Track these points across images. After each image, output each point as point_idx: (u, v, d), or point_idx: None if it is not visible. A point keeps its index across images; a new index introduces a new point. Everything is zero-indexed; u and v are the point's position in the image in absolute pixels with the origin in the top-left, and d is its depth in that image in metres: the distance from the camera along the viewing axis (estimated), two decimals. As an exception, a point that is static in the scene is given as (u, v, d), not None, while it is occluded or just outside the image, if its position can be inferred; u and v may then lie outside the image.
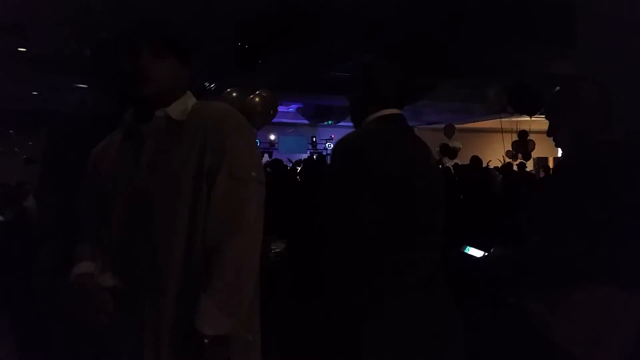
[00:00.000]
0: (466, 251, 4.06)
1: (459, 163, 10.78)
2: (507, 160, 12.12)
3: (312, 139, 17.00)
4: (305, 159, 10.04)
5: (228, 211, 1.49)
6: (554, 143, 2.06)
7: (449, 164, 11.67)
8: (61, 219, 2.05)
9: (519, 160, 12.09)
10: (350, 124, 2.13)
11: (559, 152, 4.08)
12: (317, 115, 14.27)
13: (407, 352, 1.79)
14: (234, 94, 7.57)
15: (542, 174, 11.80)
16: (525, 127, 11.67)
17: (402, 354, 1.79)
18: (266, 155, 14.27)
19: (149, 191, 1.53)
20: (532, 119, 9.12)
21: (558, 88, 2.07)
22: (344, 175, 1.84)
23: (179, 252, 1.50)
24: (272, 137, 16.88)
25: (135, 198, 1.55)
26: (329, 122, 14.96)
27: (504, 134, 11.96)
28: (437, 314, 1.87)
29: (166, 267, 1.49)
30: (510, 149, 12.55)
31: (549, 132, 2.05)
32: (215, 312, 1.41)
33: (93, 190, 1.65)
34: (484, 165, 8.63)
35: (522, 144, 12.07)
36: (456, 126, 13.65)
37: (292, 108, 14.44)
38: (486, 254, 3.87)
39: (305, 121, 15.32)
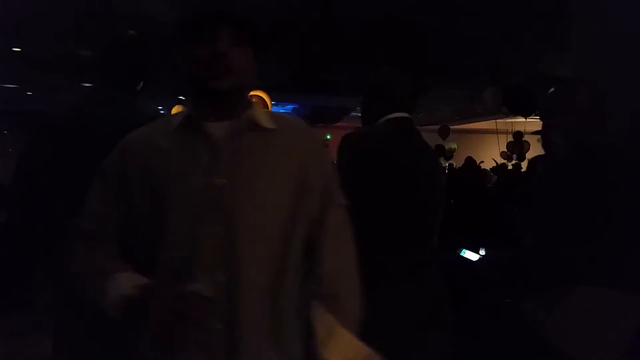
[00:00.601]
0: (462, 254, 4.07)
1: (454, 164, 10.80)
2: (502, 161, 12.16)
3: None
4: None
5: (345, 239, 1.42)
6: (540, 143, 2.07)
7: (444, 164, 11.71)
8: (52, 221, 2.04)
9: (513, 161, 12.13)
10: (346, 124, 2.26)
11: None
12: (313, 117, 14.29)
13: (393, 332, 1.86)
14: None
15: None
16: (521, 128, 11.70)
17: (389, 333, 1.84)
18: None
19: (231, 203, 1.28)
20: (527, 120, 9.15)
21: (552, 89, 2.07)
22: (349, 165, 1.96)
23: (266, 276, 1.29)
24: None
25: (208, 209, 1.28)
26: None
27: (499, 135, 11.99)
28: (422, 300, 1.96)
29: (248, 297, 1.26)
30: (505, 150, 12.60)
31: (542, 133, 2.06)
32: (357, 343, 1.31)
33: (123, 192, 1.36)
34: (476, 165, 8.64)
35: (517, 145, 12.11)
36: (451, 127, 13.68)
37: (288, 109, 14.46)
38: (482, 256, 3.88)
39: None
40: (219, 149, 1.32)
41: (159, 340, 1.18)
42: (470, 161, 7.98)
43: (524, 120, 9.29)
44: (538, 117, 2.32)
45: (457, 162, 10.95)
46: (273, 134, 1.37)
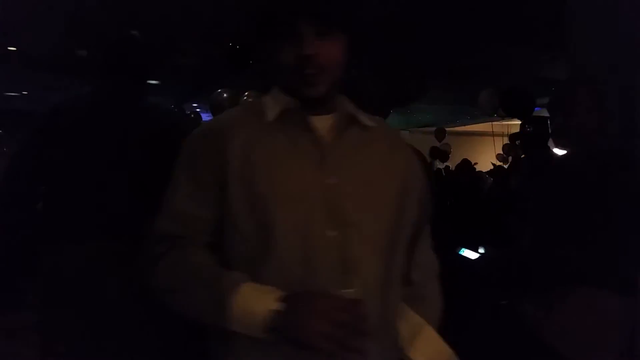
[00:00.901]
0: (461, 253, 4.08)
1: (450, 167, 10.81)
2: (499, 163, 12.18)
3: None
4: None
5: (430, 243, 1.41)
6: (519, 146, 2.08)
7: (440, 166, 11.71)
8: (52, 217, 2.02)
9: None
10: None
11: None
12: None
13: None
14: (225, 95, 7.55)
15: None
16: (517, 131, 11.70)
17: None
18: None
19: (344, 204, 1.18)
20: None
21: (557, 90, 2.06)
22: None
23: (378, 281, 1.20)
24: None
25: (321, 210, 1.16)
26: None
27: (495, 137, 12.01)
28: None
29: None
30: (501, 153, 12.61)
31: (554, 133, 2.04)
32: (442, 344, 1.31)
33: (219, 189, 1.18)
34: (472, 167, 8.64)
35: (513, 147, 12.11)
36: (447, 129, 13.69)
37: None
38: (480, 254, 3.89)
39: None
40: (327, 145, 1.21)
41: (316, 354, 1.05)
42: (465, 163, 7.98)
43: (520, 122, 9.30)
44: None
45: (454, 164, 10.97)
46: (372, 131, 1.29)
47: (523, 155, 5.36)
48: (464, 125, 15.93)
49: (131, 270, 1.99)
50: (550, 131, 2.07)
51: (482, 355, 2.27)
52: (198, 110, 10.79)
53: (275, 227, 1.14)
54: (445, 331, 2.04)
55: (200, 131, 1.28)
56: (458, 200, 5.77)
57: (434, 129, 13.46)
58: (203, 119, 10.48)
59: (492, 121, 11.40)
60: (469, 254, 4.07)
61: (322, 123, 1.23)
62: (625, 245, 1.72)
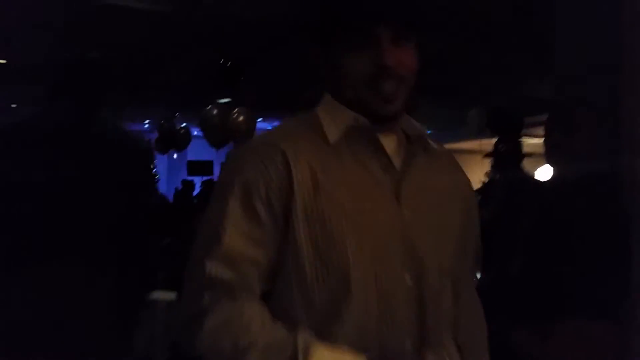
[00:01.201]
0: None
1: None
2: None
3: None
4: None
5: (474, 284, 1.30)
6: (491, 164, 2.07)
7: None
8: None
9: (498, 182, 12.14)
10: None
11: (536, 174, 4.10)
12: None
13: None
14: (215, 111, 7.56)
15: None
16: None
17: None
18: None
19: (418, 242, 1.01)
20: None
21: (553, 110, 2.04)
22: None
23: (448, 331, 1.07)
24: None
25: (396, 249, 1.00)
26: None
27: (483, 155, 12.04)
28: None
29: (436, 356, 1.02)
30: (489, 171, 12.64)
31: (549, 150, 2.01)
32: None
33: (282, 224, 0.99)
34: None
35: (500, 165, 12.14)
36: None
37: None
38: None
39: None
40: (399, 172, 1.04)
41: None
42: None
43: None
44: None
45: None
46: (433, 153, 1.13)
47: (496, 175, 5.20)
48: (453, 143, 15.97)
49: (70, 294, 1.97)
50: (545, 148, 2.04)
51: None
52: (185, 124, 10.74)
53: (352, 271, 0.96)
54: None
55: (255, 151, 1.04)
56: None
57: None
58: (192, 135, 10.45)
59: (480, 139, 11.44)
60: None
61: (388, 144, 1.06)
62: (618, 273, 1.67)
